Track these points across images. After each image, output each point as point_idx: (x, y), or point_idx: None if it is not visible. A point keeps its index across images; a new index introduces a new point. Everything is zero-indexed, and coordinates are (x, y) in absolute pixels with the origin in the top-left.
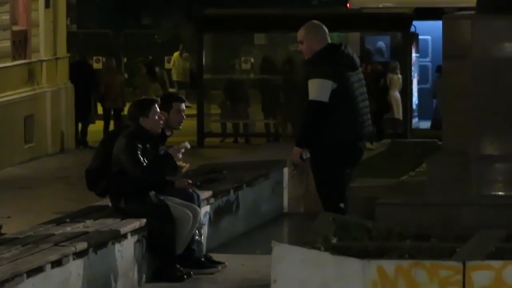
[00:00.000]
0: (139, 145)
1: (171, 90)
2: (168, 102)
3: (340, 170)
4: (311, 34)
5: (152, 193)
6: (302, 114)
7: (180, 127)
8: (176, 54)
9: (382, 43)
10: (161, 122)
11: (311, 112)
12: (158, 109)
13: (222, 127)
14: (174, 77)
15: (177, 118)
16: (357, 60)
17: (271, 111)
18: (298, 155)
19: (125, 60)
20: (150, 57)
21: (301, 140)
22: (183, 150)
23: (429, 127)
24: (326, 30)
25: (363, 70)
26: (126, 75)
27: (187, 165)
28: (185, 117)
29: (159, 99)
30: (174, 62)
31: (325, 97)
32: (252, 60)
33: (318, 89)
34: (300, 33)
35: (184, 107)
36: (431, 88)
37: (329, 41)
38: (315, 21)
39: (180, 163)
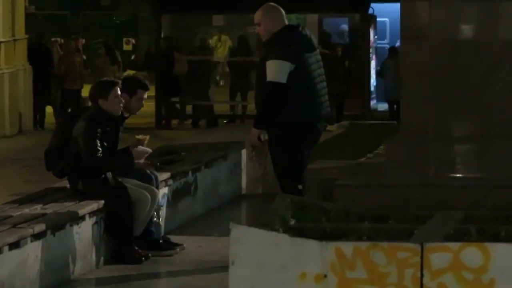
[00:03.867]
0: (99, 129)
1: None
2: (133, 88)
3: (298, 151)
4: (269, 16)
5: (110, 175)
6: (260, 95)
7: (138, 113)
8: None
9: (345, 25)
10: (121, 105)
11: (268, 93)
12: (118, 92)
13: (181, 108)
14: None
15: (137, 105)
16: (315, 41)
17: (240, 92)
18: (256, 136)
19: (83, 41)
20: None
21: (258, 121)
22: (145, 155)
23: (387, 109)
24: (283, 12)
25: (330, 52)
26: (84, 57)
27: (147, 137)
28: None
29: (120, 82)
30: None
31: (282, 78)
32: (210, 41)
33: (276, 70)
34: (258, 15)
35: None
36: (379, 69)
37: (286, 22)
38: (272, 3)
39: (139, 136)
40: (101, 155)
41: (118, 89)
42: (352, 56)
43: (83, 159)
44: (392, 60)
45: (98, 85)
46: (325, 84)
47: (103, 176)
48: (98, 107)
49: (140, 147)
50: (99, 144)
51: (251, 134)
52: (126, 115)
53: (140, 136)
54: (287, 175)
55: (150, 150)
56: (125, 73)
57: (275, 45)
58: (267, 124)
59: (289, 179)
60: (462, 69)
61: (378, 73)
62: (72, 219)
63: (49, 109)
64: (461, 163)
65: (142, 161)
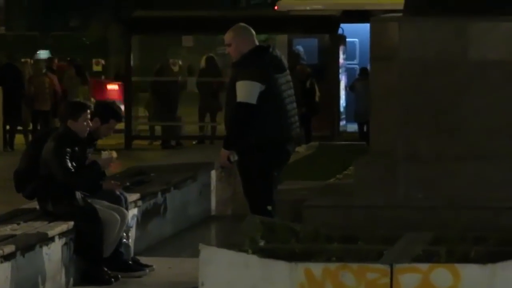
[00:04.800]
0: (68, 149)
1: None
2: (107, 116)
3: (268, 171)
4: (239, 36)
5: (79, 196)
6: (229, 116)
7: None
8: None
9: (299, 47)
10: (88, 128)
11: (238, 114)
12: (88, 116)
13: (151, 129)
14: None
15: (106, 133)
16: (285, 62)
17: (209, 113)
18: (226, 157)
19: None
20: (78, 59)
21: (228, 142)
22: (111, 162)
23: (357, 130)
24: (254, 33)
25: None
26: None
27: (114, 153)
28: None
29: (92, 106)
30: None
31: (253, 99)
32: (180, 62)
33: (246, 91)
34: (228, 36)
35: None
36: (349, 87)
37: (257, 43)
38: (242, 24)
39: (107, 152)
40: (73, 172)
41: (89, 112)
42: (320, 76)
43: (57, 178)
44: (362, 81)
45: (69, 106)
46: (295, 104)
47: (72, 197)
48: (67, 128)
49: (104, 153)
50: (69, 163)
51: (221, 155)
52: (95, 137)
53: (106, 152)
54: (257, 196)
55: (114, 155)
56: None
57: (245, 66)
58: (237, 145)
59: (258, 200)
60: (431, 90)
61: (350, 89)
62: (42, 240)
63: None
64: (430, 184)
65: (112, 182)
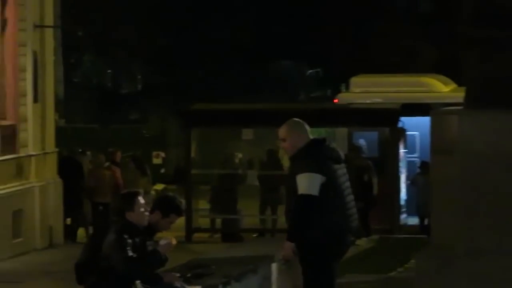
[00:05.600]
0: (128, 240)
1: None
2: (168, 211)
3: (329, 263)
4: (294, 131)
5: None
6: (291, 209)
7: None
8: None
9: (362, 140)
10: (146, 213)
11: (301, 206)
12: (142, 201)
13: (211, 222)
14: None
15: (166, 227)
16: (342, 154)
17: (270, 206)
18: (290, 249)
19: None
20: (138, 152)
21: (292, 234)
22: (170, 248)
23: (418, 223)
24: (307, 127)
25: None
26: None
27: (173, 239)
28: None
29: (142, 191)
30: None
31: (315, 191)
32: (240, 155)
33: (308, 183)
34: (282, 131)
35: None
36: (410, 183)
37: (311, 137)
38: (296, 119)
39: (164, 239)
40: (135, 261)
41: (141, 198)
42: (380, 169)
43: (119, 269)
44: (423, 175)
45: (122, 198)
46: (352, 196)
47: None
48: (126, 220)
49: (162, 239)
50: (130, 253)
51: (284, 247)
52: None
53: (164, 239)
54: (319, 286)
55: (174, 241)
56: (155, 187)
57: (304, 159)
58: (300, 237)
59: None
60: (492, 183)
61: (411, 183)
62: None
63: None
64: (492, 278)
65: (173, 274)
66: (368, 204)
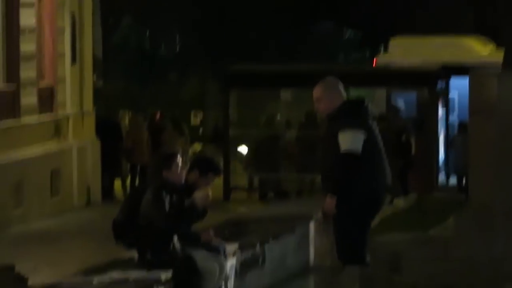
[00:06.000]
0: (167, 198)
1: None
2: (206, 170)
3: (367, 221)
4: (330, 90)
5: (178, 246)
6: (328, 169)
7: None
8: None
9: (400, 100)
10: (184, 173)
11: (346, 163)
12: (180, 161)
13: (249, 182)
14: None
15: (204, 186)
16: (375, 113)
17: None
18: (333, 205)
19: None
20: (176, 113)
21: (336, 190)
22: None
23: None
24: (342, 85)
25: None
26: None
27: (208, 190)
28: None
29: (180, 151)
30: None
31: (358, 148)
32: (279, 116)
33: (351, 140)
34: (317, 90)
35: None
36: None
37: (345, 96)
38: (331, 77)
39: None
40: (173, 216)
41: (180, 158)
42: (419, 130)
43: (158, 225)
44: (461, 135)
45: (161, 157)
46: (385, 155)
47: (171, 247)
48: (163, 178)
49: (197, 192)
50: (168, 210)
51: (326, 202)
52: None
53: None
54: (354, 244)
55: (208, 192)
56: (193, 147)
57: (346, 117)
58: (343, 193)
59: (356, 250)
60: None
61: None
62: None
63: (118, 182)
64: None
65: (211, 233)
66: (406, 164)
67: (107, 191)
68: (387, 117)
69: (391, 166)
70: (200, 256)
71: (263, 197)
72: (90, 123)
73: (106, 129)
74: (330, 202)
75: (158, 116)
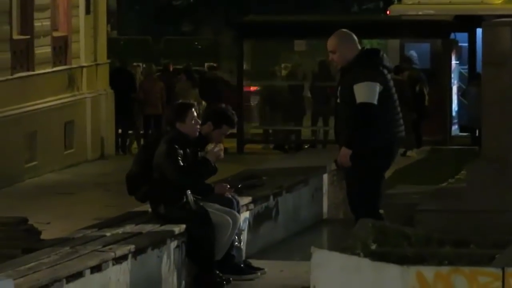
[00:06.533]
0: (180, 151)
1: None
2: (220, 121)
3: (380, 173)
4: (344, 42)
5: (191, 199)
6: (343, 121)
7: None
8: None
9: (413, 51)
10: (198, 126)
11: (361, 114)
12: (195, 114)
13: (264, 133)
14: None
15: (218, 138)
16: (391, 65)
17: (322, 117)
18: (348, 157)
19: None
20: (191, 64)
21: (352, 142)
22: (220, 155)
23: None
24: (356, 38)
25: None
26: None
27: (221, 145)
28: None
29: (195, 103)
30: None
31: (374, 99)
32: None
33: (367, 92)
34: (331, 43)
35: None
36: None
37: (359, 47)
38: (344, 30)
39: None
40: (186, 170)
41: (194, 110)
42: (432, 81)
43: (171, 179)
44: (474, 86)
45: (175, 109)
46: (399, 107)
47: (185, 200)
48: (177, 130)
49: (210, 145)
50: (181, 163)
51: (341, 153)
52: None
53: (211, 145)
54: (367, 197)
55: (221, 147)
56: None
57: (362, 68)
58: (359, 144)
59: (370, 202)
60: None
61: (462, 95)
62: (154, 243)
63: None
64: None
65: (224, 185)
66: (420, 115)
67: (121, 143)
68: (401, 68)
69: (405, 118)
70: (214, 209)
71: (277, 149)
72: (104, 74)
73: (119, 80)
74: (345, 153)
75: (171, 67)
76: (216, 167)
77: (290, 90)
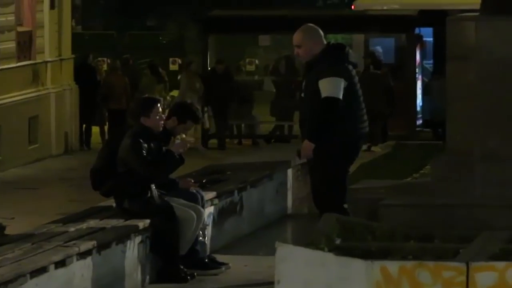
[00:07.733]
0: (144, 144)
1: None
2: (185, 117)
3: (345, 168)
4: (309, 37)
5: (156, 194)
6: (307, 116)
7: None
8: None
9: (379, 47)
10: (162, 122)
11: (326, 109)
12: (160, 109)
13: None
14: None
15: (182, 132)
16: (355, 60)
17: (286, 112)
18: (311, 150)
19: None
20: (154, 59)
21: (314, 136)
22: (184, 147)
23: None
24: (322, 32)
25: (372, 72)
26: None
27: (192, 139)
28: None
29: (162, 99)
30: None
31: (339, 94)
32: (257, 61)
33: (332, 87)
34: (297, 37)
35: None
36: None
37: (325, 42)
38: (310, 24)
39: (183, 137)
40: (151, 163)
41: (160, 106)
42: (397, 76)
43: (136, 171)
44: (436, 81)
45: (140, 103)
46: (363, 102)
47: (149, 194)
48: (141, 125)
49: (176, 139)
50: (146, 156)
51: (304, 147)
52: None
53: (178, 138)
54: (332, 192)
55: (191, 139)
56: (171, 93)
57: (326, 63)
58: (321, 139)
59: (334, 197)
60: (508, 89)
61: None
62: (118, 238)
63: (95, 129)
64: (507, 182)
65: (189, 180)
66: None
67: (85, 139)
68: (366, 63)
69: (371, 112)
70: (178, 204)
71: (240, 144)
72: (68, 69)
73: (83, 75)
74: (307, 146)
75: (131, 61)
76: (183, 158)
77: (254, 84)
